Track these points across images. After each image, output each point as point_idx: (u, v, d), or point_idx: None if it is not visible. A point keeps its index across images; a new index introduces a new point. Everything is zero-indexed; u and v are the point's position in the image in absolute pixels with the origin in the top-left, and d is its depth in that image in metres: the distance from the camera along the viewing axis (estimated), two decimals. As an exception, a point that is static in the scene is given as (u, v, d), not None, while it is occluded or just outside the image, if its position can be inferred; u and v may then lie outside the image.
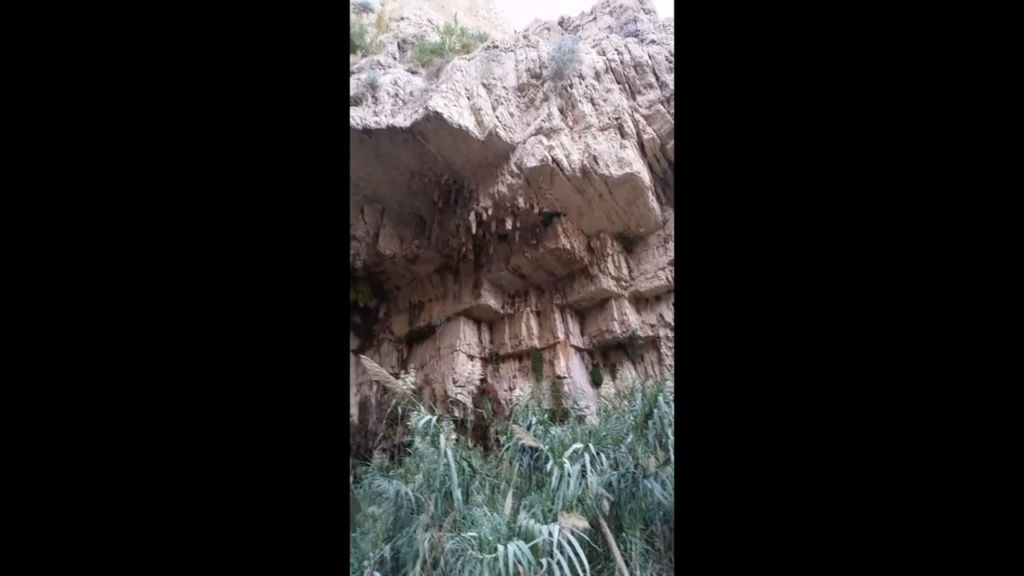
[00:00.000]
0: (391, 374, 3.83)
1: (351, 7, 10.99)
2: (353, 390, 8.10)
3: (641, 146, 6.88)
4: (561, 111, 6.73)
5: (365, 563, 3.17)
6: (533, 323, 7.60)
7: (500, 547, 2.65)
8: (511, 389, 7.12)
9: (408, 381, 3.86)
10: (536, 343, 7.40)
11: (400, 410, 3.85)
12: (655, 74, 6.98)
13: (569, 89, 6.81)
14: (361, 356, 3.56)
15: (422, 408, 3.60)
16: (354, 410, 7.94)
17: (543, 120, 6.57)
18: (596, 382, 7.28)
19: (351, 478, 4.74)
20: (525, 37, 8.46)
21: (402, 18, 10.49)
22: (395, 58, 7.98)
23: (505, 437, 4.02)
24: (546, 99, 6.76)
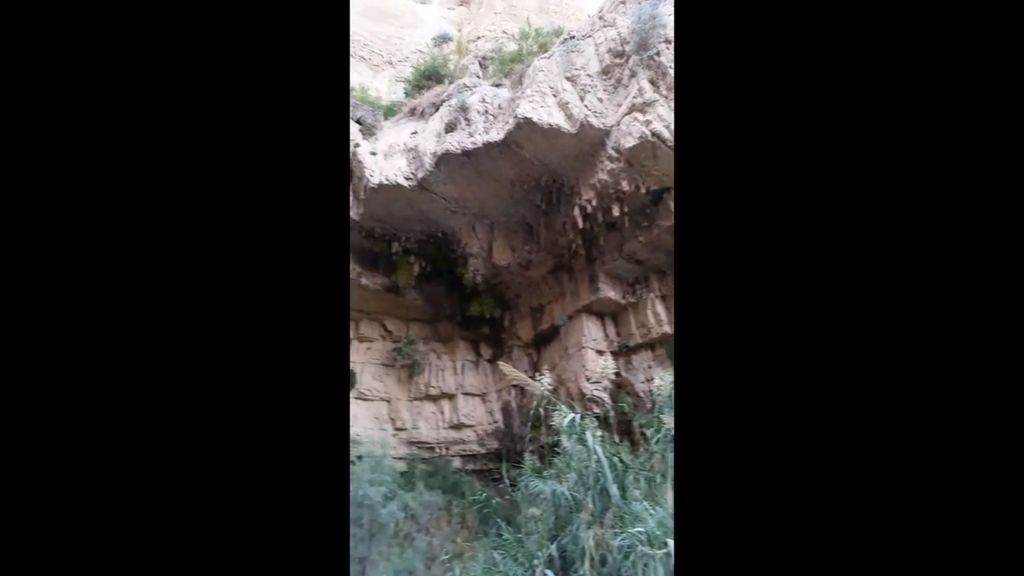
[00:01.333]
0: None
1: (431, 42, 11.74)
2: (493, 396, 8.51)
3: (750, 96, 6.18)
4: (652, 82, 6.34)
5: (536, 562, 3.27)
6: (660, 308, 7.22)
7: (670, 541, 2.54)
8: (648, 380, 6.83)
9: (544, 382, 3.92)
10: (666, 329, 7.00)
11: (542, 411, 3.93)
12: (753, 13, 6.24)
13: (657, 58, 6.39)
14: (499, 363, 3.72)
15: (564, 408, 3.63)
16: (497, 415, 8.32)
17: (634, 97, 6.26)
18: (742, 361, 6.66)
19: (506, 481, 4.95)
20: (600, 18, 8.16)
21: (479, 37, 10.90)
22: (479, 76, 8.29)
23: (652, 430, 3.87)
24: (634, 75, 6.44)
